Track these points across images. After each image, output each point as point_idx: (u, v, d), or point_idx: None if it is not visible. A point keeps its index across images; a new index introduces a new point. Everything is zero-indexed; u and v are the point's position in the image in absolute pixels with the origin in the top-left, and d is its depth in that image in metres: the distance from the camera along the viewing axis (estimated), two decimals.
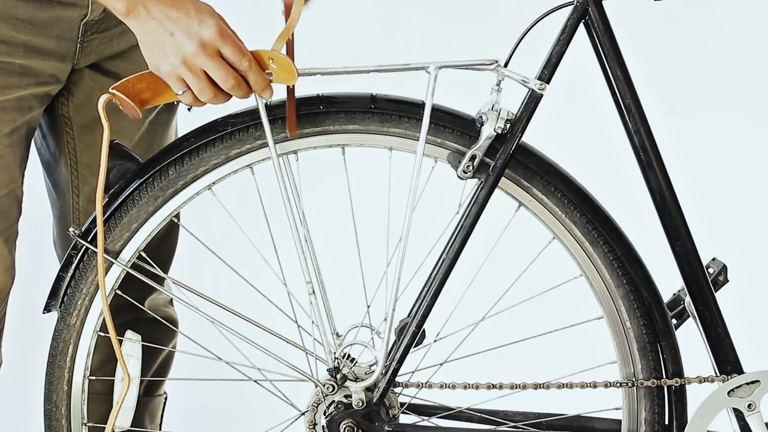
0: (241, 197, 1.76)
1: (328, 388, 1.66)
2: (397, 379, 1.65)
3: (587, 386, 1.64)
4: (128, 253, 1.65)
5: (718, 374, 1.66)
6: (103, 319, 1.66)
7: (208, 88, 1.51)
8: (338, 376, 1.65)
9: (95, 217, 1.65)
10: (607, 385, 1.65)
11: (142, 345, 1.70)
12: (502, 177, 1.62)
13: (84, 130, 1.78)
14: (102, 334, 1.67)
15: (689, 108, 3.25)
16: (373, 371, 1.64)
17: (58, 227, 1.86)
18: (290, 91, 1.60)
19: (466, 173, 1.62)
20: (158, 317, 1.83)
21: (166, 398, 1.97)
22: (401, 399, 1.69)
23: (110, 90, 1.53)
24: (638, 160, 1.63)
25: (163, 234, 1.72)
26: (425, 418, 1.72)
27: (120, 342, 1.66)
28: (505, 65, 1.59)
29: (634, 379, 1.67)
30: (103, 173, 1.58)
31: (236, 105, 1.59)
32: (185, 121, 1.80)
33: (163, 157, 1.64)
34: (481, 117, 1.60)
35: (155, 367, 1.91)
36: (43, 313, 1.69)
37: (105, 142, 1.56)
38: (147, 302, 1.83)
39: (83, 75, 1.75)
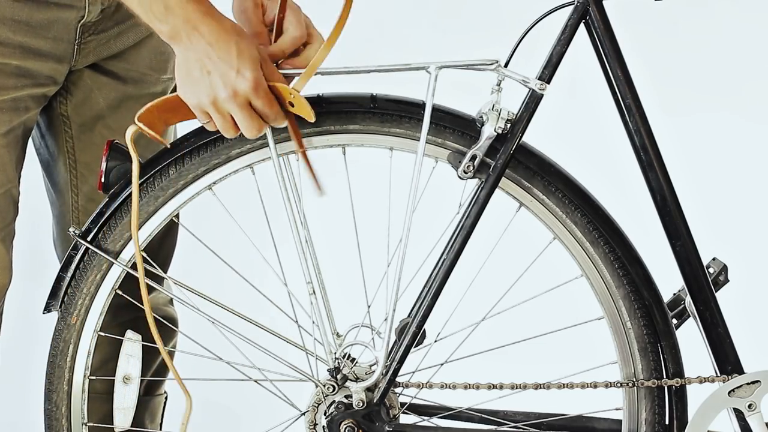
0: (241, 197, 1.76)
1: (328, 388, 1.66)
2: (398, 379, 1.65)
3: (588, 386, 1.64)
4: (128, 253, 1.65)
5: (719, 374, 1.66)
6: (104, 319, 1.67)
7: (232, 129, 1.53)
8: (339, 377, 1.65)
9: (95, 216, 1.65)
10: (607, 385, 1.65)
11: (143, 344, 1.70)
12: (503, 177, 1.62)
13: (82, 129, 1.78)
14: (102, 334, 1.67)
15: (689, 108, 3.25)
16: (374, 371, 1.64)
17: (58, 227, 1.86)
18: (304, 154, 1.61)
19: (466, 173, 1.62)
20: (158, 317, 1.83)
21: (166, 398, 1.97)
22: (402, 399, 1.69)
23: (136, 122, 1.53)
24: (638, 160, 1.63)
25: (163, 234, 1.72)
26: (426, 418, 1.72)
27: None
28: (506, 65, 1.59)
29: (634, 380, 1.67)
30: (135, 204, 1.57)
31: None
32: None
33: (164, 157, 1.64)
34: (481, 117, 1.60)
35: (155, 367, 1.91)
36: (43, 313, 1.69)
37: (135, 174, 1.56)
38: None
39: (82, 74, 1.75)
